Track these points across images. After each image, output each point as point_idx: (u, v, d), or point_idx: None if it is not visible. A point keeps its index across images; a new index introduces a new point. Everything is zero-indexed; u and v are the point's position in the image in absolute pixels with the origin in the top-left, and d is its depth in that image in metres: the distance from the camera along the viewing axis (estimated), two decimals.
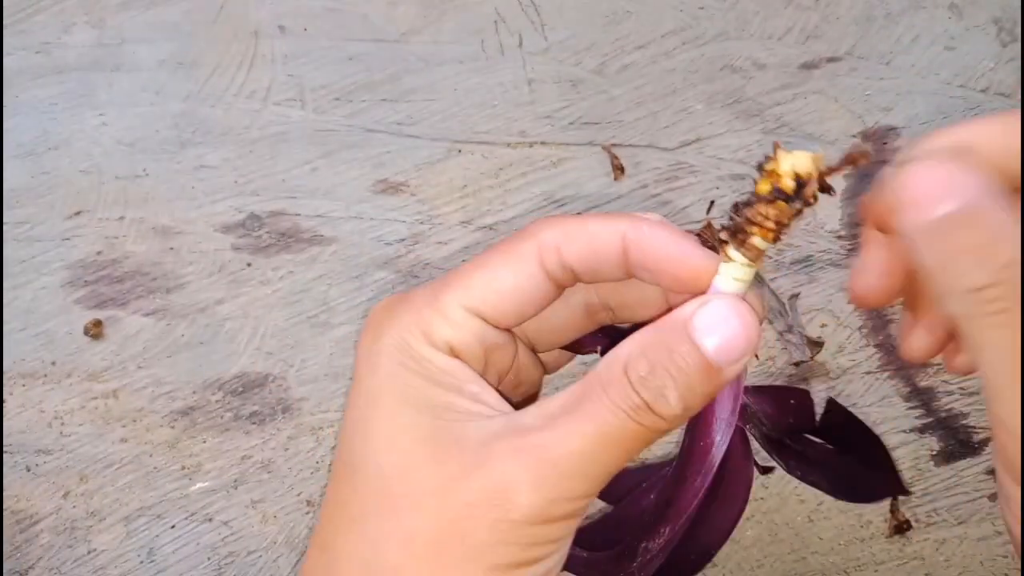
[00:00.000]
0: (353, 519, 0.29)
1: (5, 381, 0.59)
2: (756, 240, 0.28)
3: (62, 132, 0.68)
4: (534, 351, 0.33)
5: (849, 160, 0.27)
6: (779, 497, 0.58)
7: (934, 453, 0.58)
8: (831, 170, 0.27)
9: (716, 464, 0.30)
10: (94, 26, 0.72)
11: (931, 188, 0.24)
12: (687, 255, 0.28)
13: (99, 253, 0.63)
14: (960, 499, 0.57)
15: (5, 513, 0.55)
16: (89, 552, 0.54)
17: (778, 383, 0.60)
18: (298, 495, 0.56)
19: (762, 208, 0.27)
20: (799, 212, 0.28)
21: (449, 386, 0.28)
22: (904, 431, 0.58)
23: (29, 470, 0.56)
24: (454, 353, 0.29)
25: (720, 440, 0.30)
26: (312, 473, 0.57)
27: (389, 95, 0.70)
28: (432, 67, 0.71)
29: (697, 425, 0.30)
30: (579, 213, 0.65)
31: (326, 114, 0.69)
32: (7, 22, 0.72)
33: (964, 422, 0.59)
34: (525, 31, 0.73)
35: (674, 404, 0.26)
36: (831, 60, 0.72)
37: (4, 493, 0.56)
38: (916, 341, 0.31)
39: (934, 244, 0.24)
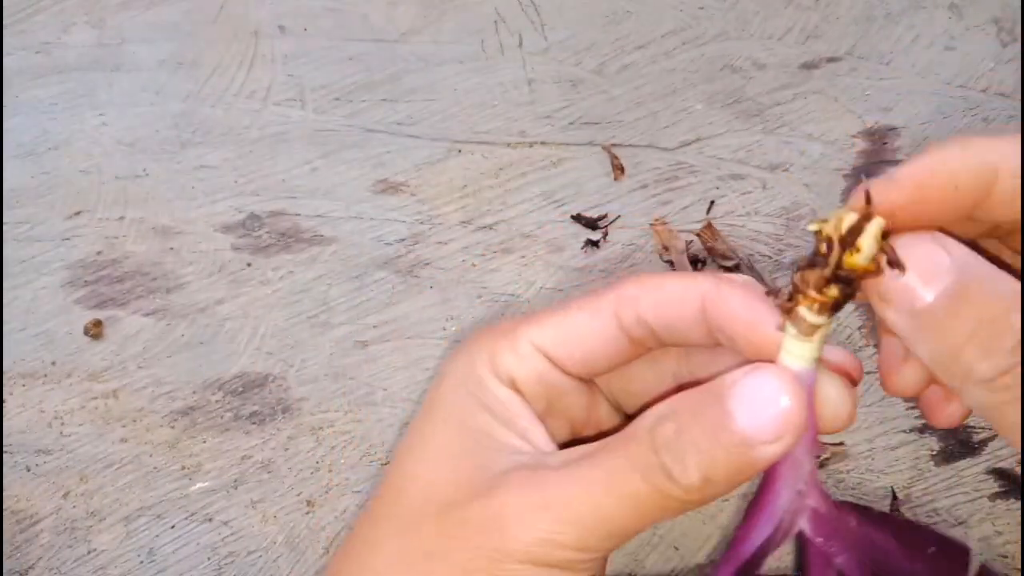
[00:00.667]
0: (374, 516, 0.29)
1: (5, 381, 0.59)
2: (803, 310, 0.25)
3: (62, 132, 0.68)
4: (627, 415, 0.32)
5: (863, 217, 0.24)
6: None
7: (934, 453, 0.58)
8: (852, 231, 0.24)
9: (747, 559, 0.26)
10: (94, 26, 0.72)
11: (916, 270, 0.22)
12: (757, 320, 0.26)
13: (99, 253, 0.63)
14: (960, 499, 0.57)
15: (5, 513, 0.55)
16: (89, 552, 0.54)
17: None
18: (298, 495, 0.56)
19: (804, 273, 0.25)
20: (834, 280, 0.24)
21: (499, 416, 0.28)
22: (904, 431, 0.58)
23: (29, 470, 0.56)
24: (515, 387, 0.29)
25: (766, 536, 0.26)
26: (312, 473, 0.57)
27: (389, 95, 0.70)
28: (432, 67, 0.71)
29: (749, 510, 0.27)
30: (578, 213, 0.65)
31: (326, 114, 0.69)
32: (7, 22, 0.72)
33: (964, 422, 0.59)
34: (525, 31, 0.73)
35: (692, 473, 0.24)
36: (831, 60, 0.72)
37: (4, 493, 0.56)
38: (908, 376, 0.28)
39: (931, 337, 0.22)
